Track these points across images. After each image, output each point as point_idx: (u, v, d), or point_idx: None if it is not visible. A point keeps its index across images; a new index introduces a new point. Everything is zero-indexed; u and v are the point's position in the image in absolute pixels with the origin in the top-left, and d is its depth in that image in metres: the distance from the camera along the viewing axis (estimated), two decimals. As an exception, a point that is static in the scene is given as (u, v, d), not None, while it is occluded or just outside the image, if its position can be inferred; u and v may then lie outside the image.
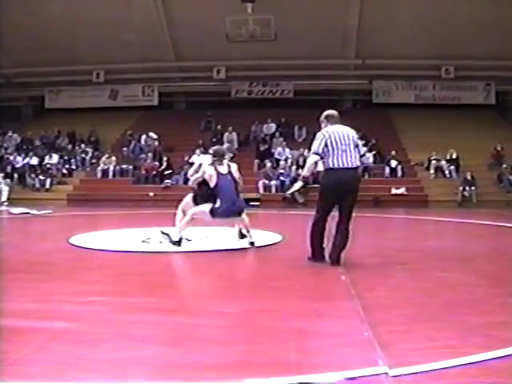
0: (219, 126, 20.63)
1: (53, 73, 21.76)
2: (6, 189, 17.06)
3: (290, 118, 21.11)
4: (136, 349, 2.86)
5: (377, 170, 17.91)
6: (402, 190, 17.04)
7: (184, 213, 6.72)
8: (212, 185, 6.45)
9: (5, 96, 22.33)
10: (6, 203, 16.20)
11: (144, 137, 19.93)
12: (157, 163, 18.61)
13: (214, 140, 18.95)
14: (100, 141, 21.28)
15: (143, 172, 18.51)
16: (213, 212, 6.39)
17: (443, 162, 18.18)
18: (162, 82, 22.82)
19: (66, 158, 19.99)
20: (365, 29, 19.55)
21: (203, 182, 6.65)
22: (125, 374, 2.51)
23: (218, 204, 6.37)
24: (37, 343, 2.87)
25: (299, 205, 14.85)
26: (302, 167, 6.50)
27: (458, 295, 4.21)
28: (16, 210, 12.63)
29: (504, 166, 17.65)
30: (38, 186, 18.28)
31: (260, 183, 17.30)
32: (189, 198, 6.92)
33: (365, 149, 5.79)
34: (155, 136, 18.87)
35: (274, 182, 17.43)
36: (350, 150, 5.26)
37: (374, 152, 18.46)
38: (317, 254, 5.40)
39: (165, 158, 18.69)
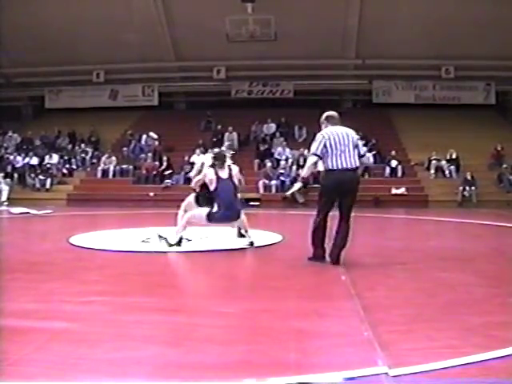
0: (219, 126, 20.63)
1: (53, 73, 21.76)
2: (6, 189, 17.05)
3: (290, 117, 21.10)
4: (136, 349, 2.86)
5: (377, 170, 17.90)
6: (402, 190, 17.04)
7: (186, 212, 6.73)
8: (211, 188, 6.45)
9: (5, 96, 22.32)
10: (6, 203, 16.20)
11: (144, 137, 19.94)
12: (157, 163, 18.61)
13: (215, 140, 18.96)
14: (100, 141, 21.28)
15: (143, 172, 18.51)
16: (209, 217, 6.40)
17: (443, 162, 18.18)
18: (162, 82, 22.82)
19: (66, 157, 19.98)
20: (365, 29, 19.54)
21: (205, 184, 6.65)
22: (125, 374, 2.51)
23: (215, 209, 6.38)
24: (37, 343, 2.87)
25: (299, 205, 14.84)
26: (303, 167, 6.51)
27: (458, 295, 4.21)
28: (16, 210, 12.63)
29: (504, 166, 17.65)
30: (38, 185, 18.27)
31: (260, 183, 17.29)
32: (191, 197, 6.91)
33: (365, 149, 5.78)
34: (155, 136, 18.86)
35: (274, 182, 17.43)
36: (349, 151, 5.28)
37: (374, 152, 18.44)
38: (317, 254, 5.42)
39: (165, 158, 18.69)
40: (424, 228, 11.09)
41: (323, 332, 3.24)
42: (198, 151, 18.55)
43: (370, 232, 9.39)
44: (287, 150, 19.05)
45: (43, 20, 19.21)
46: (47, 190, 18.14)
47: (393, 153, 18.44)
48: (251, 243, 6.59)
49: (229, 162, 6.84)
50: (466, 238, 8.89)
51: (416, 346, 2.89)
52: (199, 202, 6.72)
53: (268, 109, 21.61)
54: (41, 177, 18.39)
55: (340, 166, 5.24)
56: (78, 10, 19.01)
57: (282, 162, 18.20)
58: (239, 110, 21.68)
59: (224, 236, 7.28)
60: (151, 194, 17.52)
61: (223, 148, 7.25)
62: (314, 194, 5.76)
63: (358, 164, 5.35)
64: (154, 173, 18.37)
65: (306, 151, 16.81)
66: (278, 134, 20.36)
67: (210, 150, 7.87)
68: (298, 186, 5.75)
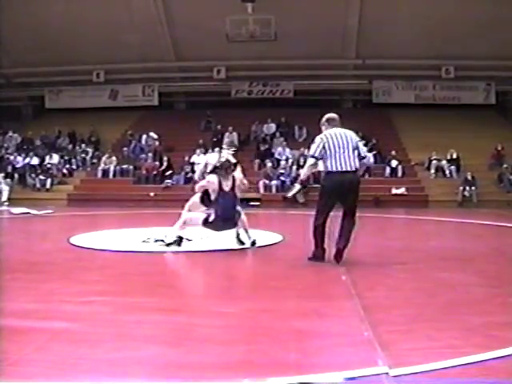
0: (219, 126, 20.62)
1: (53, 73, 21.75)
2: (6, 189, 17.05)
3: (290, 117, 21.10)
4: (136, 349, 2.86)
5: (377, 170, 17.88)
6: (402, 190, 17.04)
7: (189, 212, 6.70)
8: (212, 197, 6.42)
9: (5, 96, 22.32)
10: (6, 203, 16.20)
11: (144, 137, 19.93)
12: (157, 163, 18.61)
13: (215, 140, 18.95)
14: (100, 141, 21.27)
15: (144, 172, 18.51)
16: (205, 223, 6.41)
17: (443, 162, 18.17)
18: (162, 82, 22.81)
19: (66, 157, 19.97)
20: (365, 29, 19.54)
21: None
22: (125, 374, 2.51)
23: (211, 217, 6.37)
24: (37, 343, 2.87)
25: (300, 205, 14.84)
26: (303, 167, 6.52)
27: (459, 295, 4.22)
28: (16, 210, 12.63)
29: (504, 165, 17.64)
30: (38, 185, 18.26)
31: (260, 183, 17.29)
32: (196, 197, 6.84)
33: (365, 149, 5.80)
34: (156, 136, 18.86)
35: (274, 182, 17.43)
36: (349, 153, 5.32)
37: (374, 152, 18.43)
38: (317, 254, 5.43)
39: (165, 158, 18.69)
40: (424, 228, 11.09)
41: (323, 332, 3.24)
42: (198, 151, 18.60)
43: (371, 232, 9.37)
44: (287, 150, 19.05)
45: (43, 20, 19.21)
46: (47, 190, 18.13)
47: (393, 153, 18.43)
48: (253, 243, 6.58)
49: (231, 158, 6.80)
50: (467, 238, 8.89)
51: (416, 345, 2.89)
52: (204, 202, 6.69)
53: (268, 109, 21.60)
54: (41, 177, 18.38)
55: (340, 168, 5.28)
56: (78, 10, 19.00)
57: (283, 162, 18.20)
58: (239, 109, 21.67)
59: (224, 236, 7.28)
60: (151, 194, 17.51)
61: (224, 146, 7.15)
62: (314, 193, 5.76)
63: (357, 166, 5.38)
64: (155, 173, 18.36)
65: (306, 151, 16.82)
66: (278, 134, 20.35)
67: (214, 150, 7.82)
68: (297, 188, 5.80)
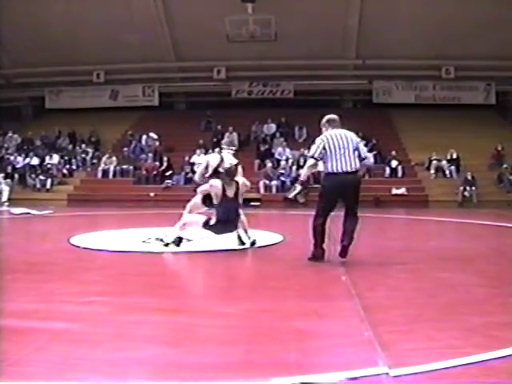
0: (219, 126, 20.62)
1: (53, 73, 21.76)
2: (6, 189, 17.05)
3: (290, 118, 21.10)
4: (136, 349, 2.86)
5: (377, 170, 17.87)
6: (402, 190, 17.04)
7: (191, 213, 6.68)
8: (214, 201, 6.38)
9: (5, 96, 22.34)
10: (6, 203, 16.21)
11: (144, 137, 19.92)
12: (157, 163, 18.61)
13: (215, 140, 18.95)
14: (100, 141, 21.28)
15: (144, 172, 18.51)
16: (205, 226, 6.41)
17: (444, 162, 18.18)
18: (163, 82, 22.82)
19: (66, 158, 19.98)
20: (365, 29, 19.55)
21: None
22: (125, 375, 2.51)
23: (212, 221, 6.36)
24: (37, 343, 2.87)
25: (300, 205, 14.82)
26: (303, 167, 6.53)
27: (459, 295, 4.21)
28: (17, 211, 12.63)
29: (504, 166, 17.64)
30: (38, 186, 18.27)
31: (261, 183, 17.30)
32: (198, 198, 6.77)
33: (365, 149, 5.81)
34: (156, 136, 18.84)
35: (274, 182, 17.44)
36: (349, 154, 5.35)
37: (374, 152, 18.43)
38: (316, 254, 5.43)
39: (165, 158, 18.70)
40: (424, 228, 11.09)
41: (323, 332, 3.24)
42: (198, 151, 18.61)
43: (371, 232, 9.36)
44: (287, 150, 19.06)
45: (44, 20, 19.22)
46: (48, 191, 18.14)
47: (393, 153, 18.44)
48: (253, 243, 6.58)
49: (232, 158, 6.78)
50: (467, 238, 8.89)
51: (416, 346, 2.89)
52: (206, 203, 6.66)
53: (268, 109, 21.61)
54: (41, 177, 18.39)
55: (340, 169, 5.31)
56: (79, 10, 19.02)
57: (283, 163, 18.21)
58: (239, 110, 21.67)
59: (225, 236, 7.27)
60: (151, 194, 17.51)
61: (223, 146, 7.06)
62: (314, 194, 5.76)
63: (358, 166, 5.41)
64: (155, 173, 18.37)
65: (306, 151, 16.81)
66: (278, 135, 20.36)
67: (214, 150, 7.76)
68: (298, 189, 5.82)
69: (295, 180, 16.76)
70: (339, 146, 5.33)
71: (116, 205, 15.46)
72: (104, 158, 19.37)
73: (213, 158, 6.87)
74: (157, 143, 19.03)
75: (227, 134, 19.74)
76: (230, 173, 6.41)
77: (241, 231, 6.65)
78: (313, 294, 4.31)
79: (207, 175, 6.71)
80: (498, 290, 4.43)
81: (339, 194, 5.37)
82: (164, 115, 22.41)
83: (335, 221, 5.66)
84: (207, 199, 6.60)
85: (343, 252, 5.30)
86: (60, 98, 23.21)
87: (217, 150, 7.28)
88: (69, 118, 21.82)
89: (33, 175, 18.67)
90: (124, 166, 19.05)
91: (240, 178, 6.61)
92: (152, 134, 18.74)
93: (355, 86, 22.78)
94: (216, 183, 6.38)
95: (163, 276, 5.25)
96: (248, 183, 6.86)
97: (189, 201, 6.92)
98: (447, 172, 18.01)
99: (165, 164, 18.55)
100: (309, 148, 5.87)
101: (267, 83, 22.38)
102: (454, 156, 18.28)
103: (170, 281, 5.11)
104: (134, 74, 22.15)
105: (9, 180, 17.83)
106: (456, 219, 12.17)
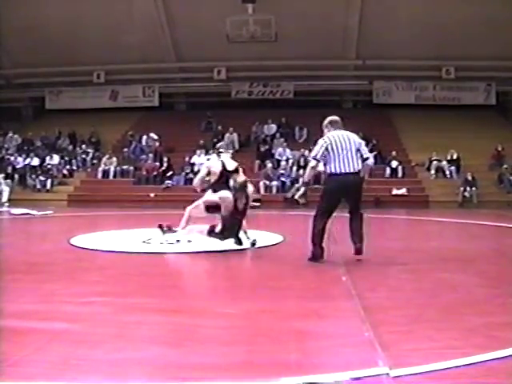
0: (220, 127, 20.64)
1: (53, 73, 21.76)
2: (6, 189, 17.06)
3: (290, 118, 21.10)
4: (137, 349, 2.86)
5: (377, 171, 17.86)
6: (402, 191, 17.04)
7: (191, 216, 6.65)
8: (222, 212, 6.34)
9: (5, 97, 22.35)
10: (6, 204, 16.20)
11: (145, 137, 19.95)
12: (157, 164, 18.62)
13: (215, 141, 18.94)
14: (101, 141, 21.29)
15: (144, 173, 18.52)
16: (210, 234, 6.44)
17: (444, 163, 18.18)
18: (163, 83, 22.82)
19: (66, 158, 19.99)
20: (365, 29, 19.55)
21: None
22: (125, 375, 2.51)
23: (217, 229, 6.39)
24: (37, 344, 2.87)
25: (300, 205, 14.82)
26: (303, 168, 6.56)
27: (459, 296, 4.21)
28: (17, 211, 12.63)
29: (505, 166, 17.64)
30: (38, 186, 18.28)
31: (261, 184, 17.29)
32: (201, 203, 6.64)
33: (366, 149, 5.83)
34: (156, 137, 18.88)
35: (274, 183, 17.44)
36: (352, 155, 5.39)
37: (374, 152, 18.43)
38: (316, 253, 5.43)
39: (165, 159, 18.70)
40: (425, 228, 11.09)
41: (324, 332, 3.24)
42: (198, 152, 18.62)
43: (371, 232, 9.31)
44: (288, 150, 19.06)
45: (43, 21, 19.22)
46: (48, 191, 18.15)
47: (393, 153, 18.44)
48: (253, 243, 6.58)
49: (231, 161, 6.78)
50: (467, 239, 8.88)
51: (417, 346, 2.89)
52: (210, 211, 6.62)
53: (268, 109, 21.61)
54: (41, 178, 18.40)
55: (342, 170, 5.35)
56: (79, 10, 19.04)
57: (283, 163, 18.21)
58: (240, 110, 21.67)
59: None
60: (152, 194, 17.51)
61: (221, 150, 6.98)
62: (315, 194, 5.77)
63: (360, 167, 5.44)
64: (155, 173, 18.37)
65: (306, 152, 16.81)
66: (278, 135, 20.36)
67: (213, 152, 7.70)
68: (302, 190, 5.86)
69: (295, 181, 16.78)
70: (342, 148, 5.37)
71: (116, 205, 15.45)
72: (104, 159, 19.37)
73: (214, 164, 6.77)
74: (157, 144, 19.05)
75: (227, 135, 19.83)
76: (241, 187, 6.42)
77: (240, 232, 6.65)
78: (313, 295, 4.30)
79: (212, 181, 6.66)
80: (499, 290, 4.43)
81: (341, 194, 5.43)
82: (164, 116, 22.41)
83: (336, 222, 5.66)
84: (211, 208, 6.56)
85: (357, 251, 5.40)
86: (60, 99, 23.21)
87: (214, 154, 7.19)
88: (69, 119, 21.82)
89: (33, 176, 18.68)
90: (124, 167, 19.06)
91: (250, 187, 6.60)
92: (152, 135, 18.77)
93: (355, 86, 22.79)
94: (227, 196, 6.36)
95: (163, 276, 5.25)
96: (252, 188, 6.88)
97: (189, 202, 6.91)
98: (447, 172, 18.01)
99: (165, 164, 18.55)
100: (309, 149, 5.89)
101: (267, 84, 22.38)
102: (455, 156, 18.28)
103: (170, 281, 5.11)
104: (135, 74, 22.16)
105: (9, 180, 17.84)
106: (456, 219, 12.16)
